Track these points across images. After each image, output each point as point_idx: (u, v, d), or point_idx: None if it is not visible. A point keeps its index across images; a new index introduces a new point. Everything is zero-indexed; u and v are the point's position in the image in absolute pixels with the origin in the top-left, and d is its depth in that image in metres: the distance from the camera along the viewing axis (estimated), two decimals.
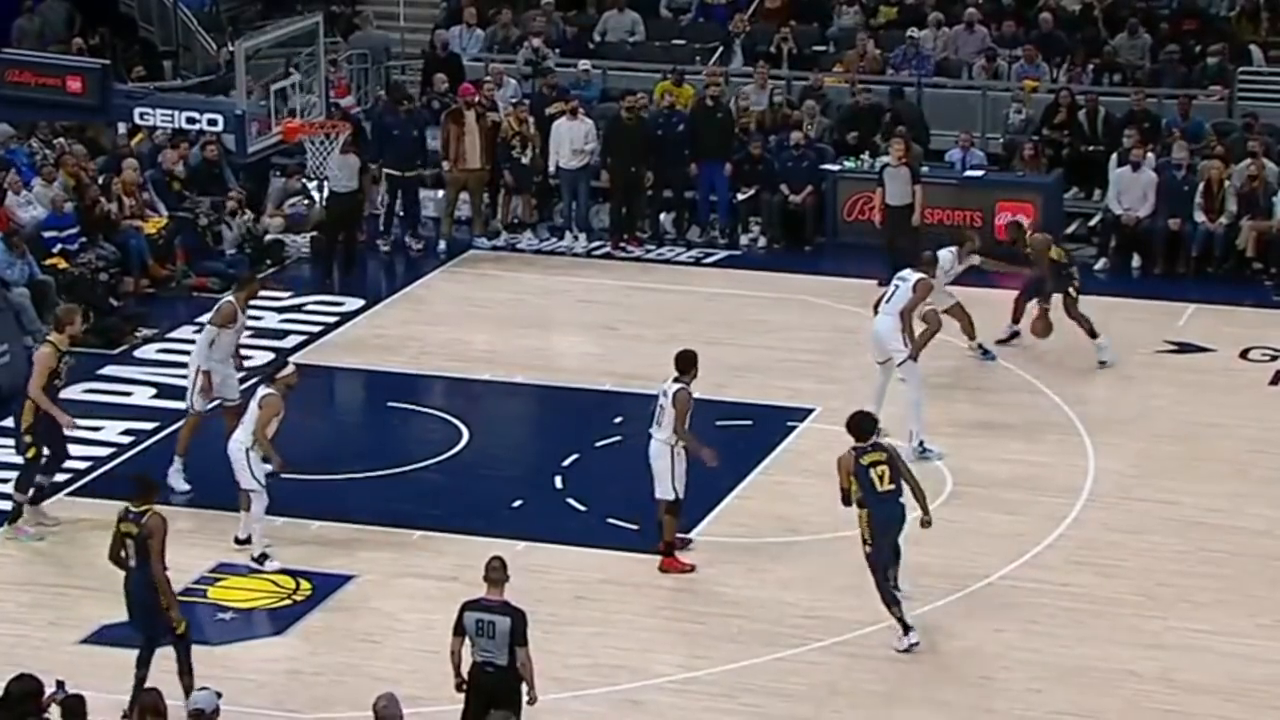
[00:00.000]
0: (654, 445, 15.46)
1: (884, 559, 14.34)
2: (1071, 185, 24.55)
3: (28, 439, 16.12)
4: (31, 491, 16.13)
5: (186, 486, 16.59)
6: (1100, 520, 16.47)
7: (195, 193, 23.26)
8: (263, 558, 15.45)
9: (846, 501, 14.42)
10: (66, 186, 21.95)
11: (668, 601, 15.18)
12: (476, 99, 23.92)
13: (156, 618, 13.05)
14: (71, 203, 21.64)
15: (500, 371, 19.78)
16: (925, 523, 14.57)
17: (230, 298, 16.88)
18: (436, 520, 16.30)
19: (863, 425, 14.55)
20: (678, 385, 15.38)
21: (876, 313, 17.89)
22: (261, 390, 15.57)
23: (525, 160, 24.02)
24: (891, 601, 14.40)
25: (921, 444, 17.45)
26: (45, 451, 16.08)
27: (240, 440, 15.46)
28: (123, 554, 13.16)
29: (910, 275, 17.84)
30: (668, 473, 15.39)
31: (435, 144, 24.20)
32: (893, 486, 14.33)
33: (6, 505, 16.45)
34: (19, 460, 16.34)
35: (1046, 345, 20.23)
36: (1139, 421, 18.55)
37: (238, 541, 15.61)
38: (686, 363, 15.52)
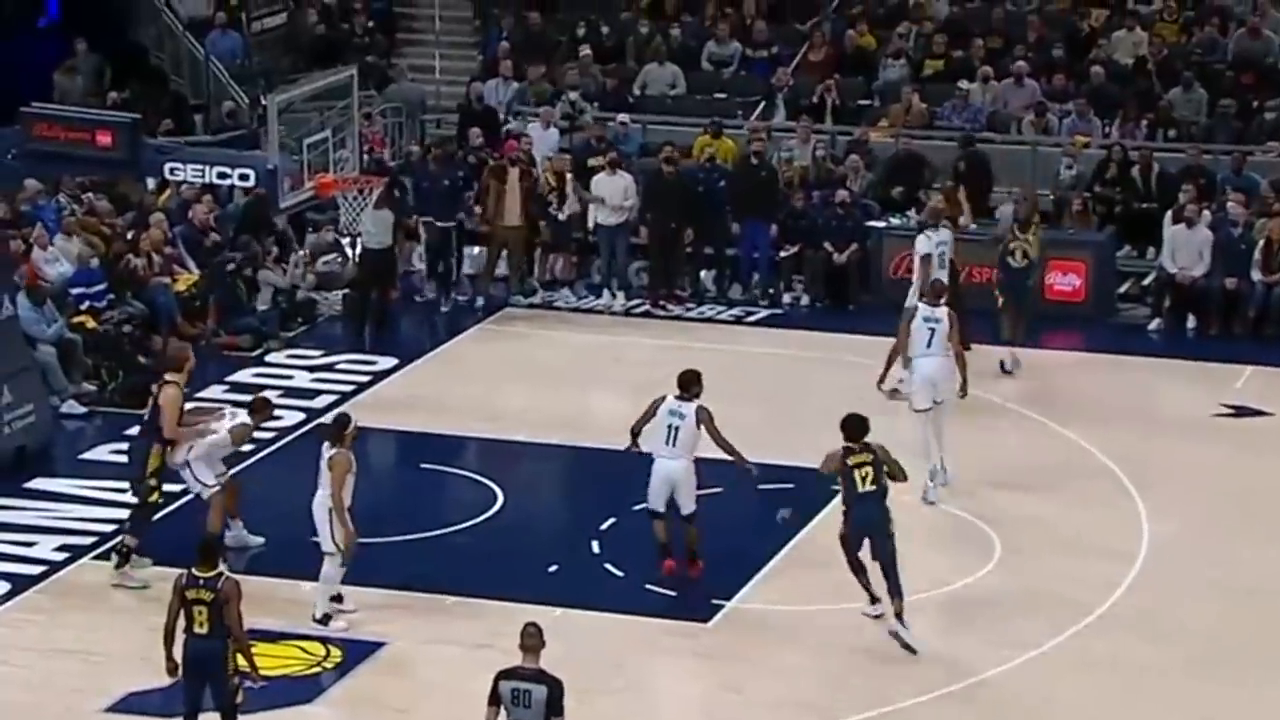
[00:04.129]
0: (679, 465, 16.09)
1: (856, 543, 15.45)
2: (1124, 243, 24.56)
3: (151, 483, 16.36)
4: (136, 541, 16.35)
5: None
6: (1154, 587, 16.43)
7: (241, 237, 23.38)
8: (326, 619, 15.55)
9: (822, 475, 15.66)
10: (91, 242, 22.11)
11: (706, 670, 15.18)
12: (520, 157, 24.07)
13: (221, 685, 13.09)
14: (97, 259, 21.80)
15: (536, 432, 19.84)
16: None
17: (246, 421, 16.83)
18: (470, 585, 16.31)
19: (857, 426, 15.49)
20: (695, 403, 16.04)
21: (891, 364, 18.19)
22: (328, 450, 15.60)
23: (561, 217, 24.17)
24: (859, 569, 15.44)
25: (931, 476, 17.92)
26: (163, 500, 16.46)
27: (324, 502, 15.54)
28: (196, 624, 13.03)
29: (939, 311, 18.21)
30: (693, 489, 16.15)
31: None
32: (874, 487, 15.38)
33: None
34: (134, 502, 16.62)
35: (1098, 406, 20.30)
36: (1194, 486, 18.52)
37: (337, 599, 15.72)
38: (693, 380, 16.22)
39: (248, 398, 18.08)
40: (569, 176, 24.23)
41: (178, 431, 16.41)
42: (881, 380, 18.42)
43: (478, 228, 24.27)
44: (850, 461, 15.38)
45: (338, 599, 15.77)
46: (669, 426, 16.08)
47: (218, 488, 16.57)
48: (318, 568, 15.90)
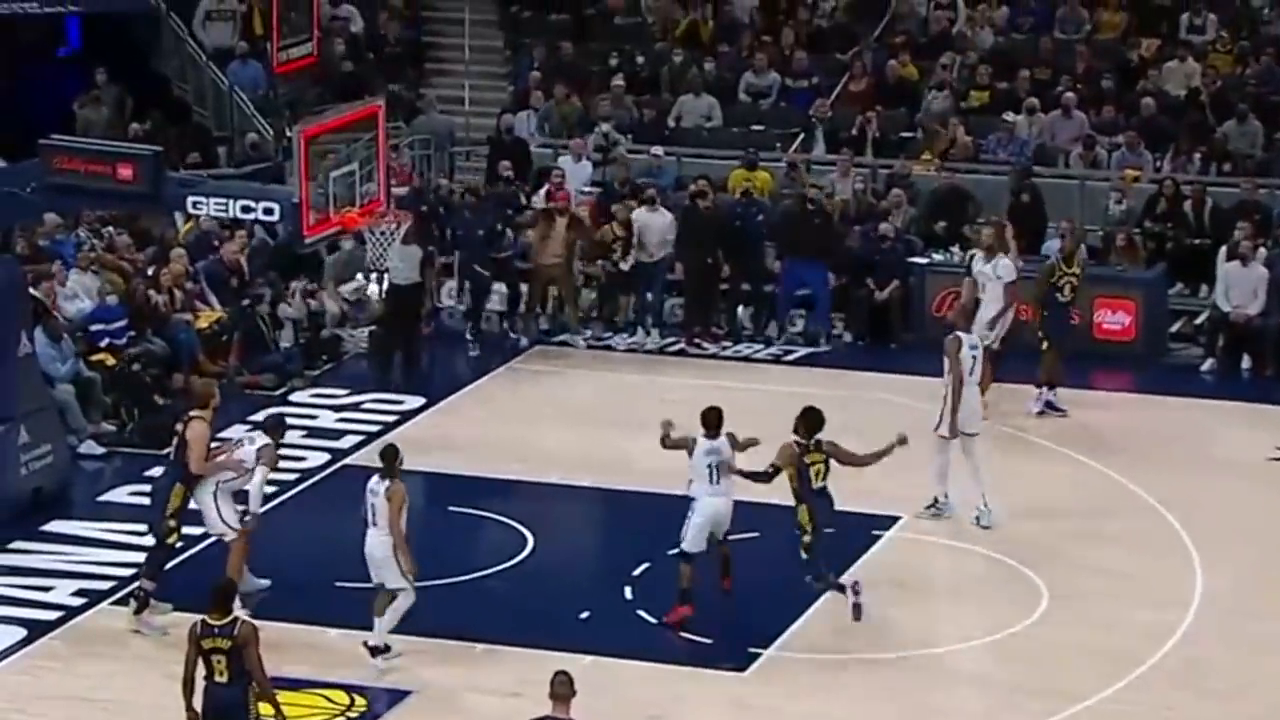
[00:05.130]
0: (727, 500, 16.52)
1: (820, 548, 16.34)
2: (1176, 281, 24.50)
3: (171, 523, 16.45)
4: (153, 585, 16.43)
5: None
6: (1207, 638, 16.36)
7: (269, 273, 23.46)
8: (376, 650, 15.63)
9: (769, 479, 16.32)
10: (111, 279, 22.17)
11: (742, 719, 15.20)
12: (568, 208, 24.10)
13: None
14: (115, 295, 21.88)
15: (567, 474, 19.86)
16: (902, 440, 16.67)
17: (268, 441, 16.79)
18: (499, 632, 16.32)
19: (815, 421, 16.42)
20: (723, 438, 16.49)
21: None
22: (381, 484, 15.66)
23: (625, 266, 24.14)
24: (819, 577, 16.39)
25: (937, 500, 18.51)
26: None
27: (385, 539, 15.60)
28: (216, 673, 13.05)
29: (976, 337, 18.89)
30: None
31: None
32: (825, 483, 16.42)
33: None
34: (151, 542, 16.68)
35: (1149, 449, 20.25)
36: (1249, 533, 18.45)
37: (372, 649, 15.71)
38: (719, 418, 16.59)
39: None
40: (635, 226, 24.18)
41: (205, 466, 16.49)
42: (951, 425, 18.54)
43: (518, 265, 24.35)
44: (806, 459, 16.29)
45: (385, 649, 15.79)
46: (709, 466, 16.44)
47: (240, 530, 16.59)
48: (342, 612, 16.00)
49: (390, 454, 15.85)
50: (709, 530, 16.49)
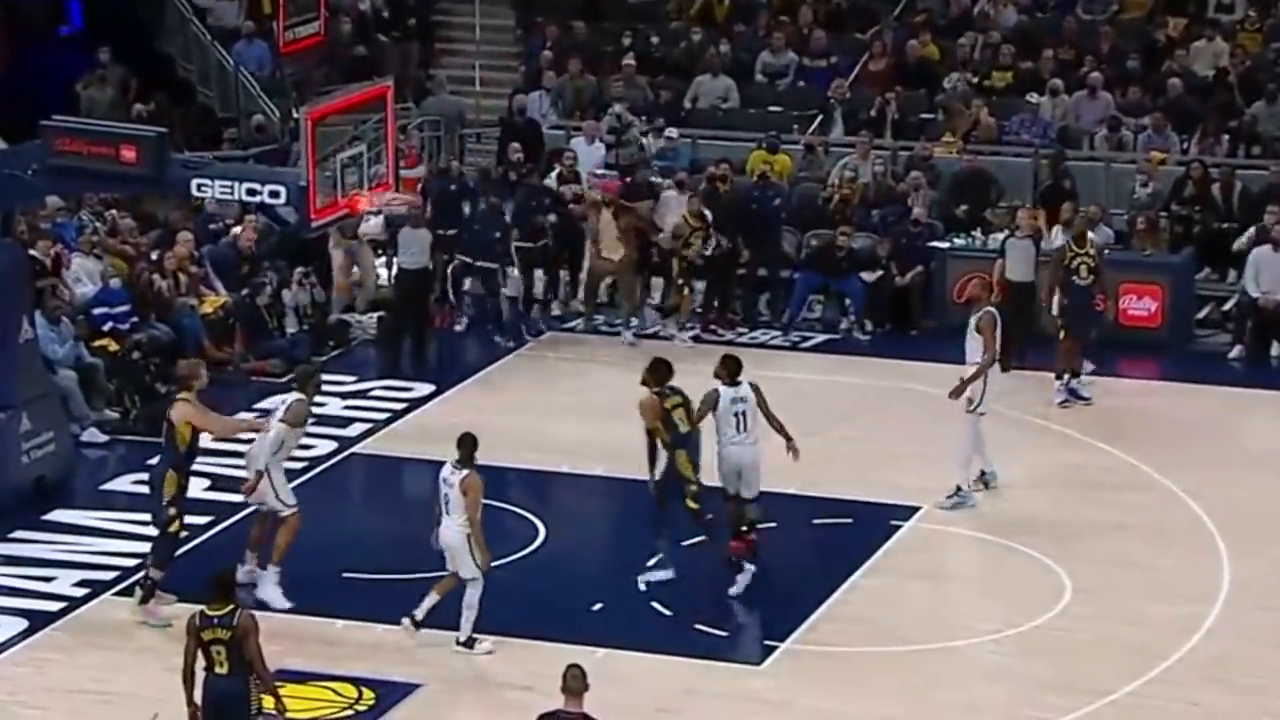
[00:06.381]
0: (755, 449, 16.85)
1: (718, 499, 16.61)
2: (1203, 266, 24.47)
3: (171, 511, 16.46)
4: (161, 574, 16.46)
5: (285, 603, 16.65)
6: (1235, 632, 16.35)
7: (278, 260, 23.50)
8: (471, 641, 15.72)
9: (655, 445, 16.62)
10: (112, 263, 22.21)
11: (758, 714, 15.18)
12: (612, 198, 24.07)
13: None
14: (118, 279, 21.90)
15: (579, 464, 19.87)
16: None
17: (299, 396, 16.92)
18: (510, 624, 16.34)
19: (666, 370, 16.77)
20: (746, 385, 16.85)
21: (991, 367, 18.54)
22: (457, 474, 15.75)
23: (709, 252, 23.89)
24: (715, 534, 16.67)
25: (959, 489, 18.51)
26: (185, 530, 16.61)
27: (460, 528, 15.66)
28: (216, 664, 13.08)
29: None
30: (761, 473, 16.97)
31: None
32: (693, 427, 16.65)
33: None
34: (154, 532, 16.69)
35: (1175, 439, 20.23)
36: (1277, 524, 18.42)
37: (466, 644, 15.80)
38: (739, 365, 17.07)
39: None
40: (708, 214, 24.01)
41: (219, 426, 16.56)
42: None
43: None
44: (668, 405, 16.57)
45: (472, 641, 15.87)
46: (737, 414, 16.75)
47: (296, 508, 16.57)
48: (349, 604, 16.01)
49: (468, 442, 15.95)
50: (736, 478, 16.76)
